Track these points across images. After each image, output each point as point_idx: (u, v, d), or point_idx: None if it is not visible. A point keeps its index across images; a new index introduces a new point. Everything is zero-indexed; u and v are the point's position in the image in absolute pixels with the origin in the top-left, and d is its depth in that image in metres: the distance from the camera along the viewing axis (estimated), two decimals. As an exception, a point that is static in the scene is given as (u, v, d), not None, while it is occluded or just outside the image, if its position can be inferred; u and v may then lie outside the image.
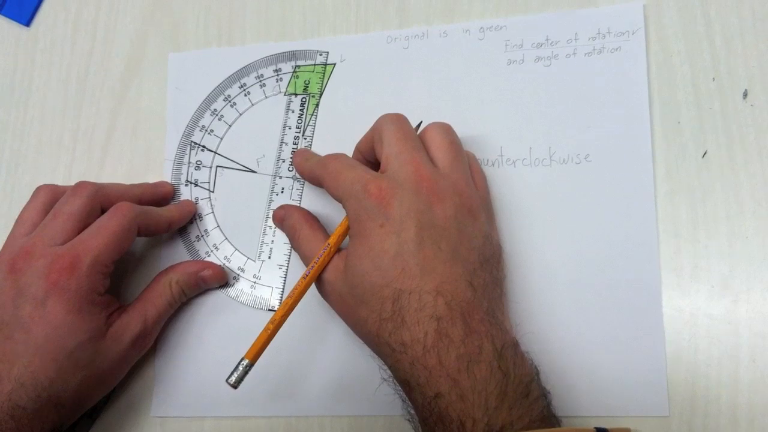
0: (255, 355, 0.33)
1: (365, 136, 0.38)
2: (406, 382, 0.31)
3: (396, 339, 0.31)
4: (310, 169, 0.38)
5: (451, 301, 0.31)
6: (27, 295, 0.35)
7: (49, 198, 0.39)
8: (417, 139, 0.36)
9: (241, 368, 0.32)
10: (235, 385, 0.32)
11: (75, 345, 0.35)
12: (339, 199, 0.35)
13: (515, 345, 0.32)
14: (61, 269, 0.35)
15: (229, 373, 0.32)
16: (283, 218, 0.39)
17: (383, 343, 0.32)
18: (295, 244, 0.38)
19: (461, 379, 0.29)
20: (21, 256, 0.36)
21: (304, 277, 0.34)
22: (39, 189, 0.40)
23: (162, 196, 0.42)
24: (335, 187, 0.35)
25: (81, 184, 0.39)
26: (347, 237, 0.35)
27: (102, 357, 0.36)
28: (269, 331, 0.33)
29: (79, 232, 0.37)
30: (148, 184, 0.42)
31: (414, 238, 0.32)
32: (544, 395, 0.31)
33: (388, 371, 0.33)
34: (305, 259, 0.37)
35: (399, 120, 0.36)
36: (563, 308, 0.36)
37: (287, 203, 0.41)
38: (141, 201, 0.40)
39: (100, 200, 0.39)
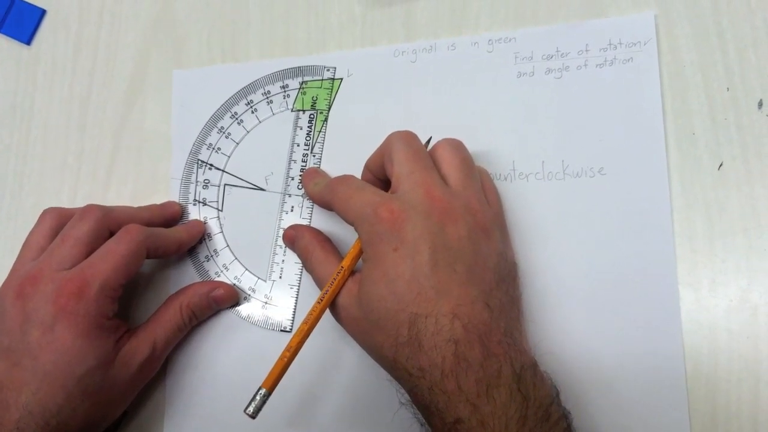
0: (272, 383, 0.32)
1: (374, 155, 0.37)
2: (425, 407, 0.31)
3: (413, 364, 0.31)
4: (320, 194, 0.37)
5: (468, 323, 0.31)
6: (35, 320, 0.35)
7: (56, 222, 0.39)
8: (428, 157, 0.35)
9: (258, 398, 0.32)
10: (253, 416, 0.32)
11: (84, 371, 0.35)
12: (351, 223, 0.34)
13: (534, 366, 0.31)
14: (69, 293, 0.35)
15: (247, 403, 0.32)
16: (294, 239, 0.39)
17: (400, 368, 0.31)
18: (307, 266, 0.38)
19: (481, 404, 0.29)
20: (28, 281, 0.36)
21: (318, 302, 0.34)
22: (45, 213, 0.40)
23: (170, 217, 0.42)
24: (346, 211, 0.35)
25: (88, 208, 0.38)
26: (360, 259, 0.35)
27: (110, 383, 0.36)
28: (286, 359, 0.33)
29: (87, 257, 0.37)
30: (155, 206, 0.42)
31: (428, 261, 0.31)
32: (564, 416, 0.31)
33: (407, 395, 0.32)
34: (318, 282, 0.37)
35: (409, 138, 0.36)
36: (579, 325, 0.36)
37: (298, 223, 0.41)
38: (150, 224, 0.40)
39: (107, 224, 0.38)
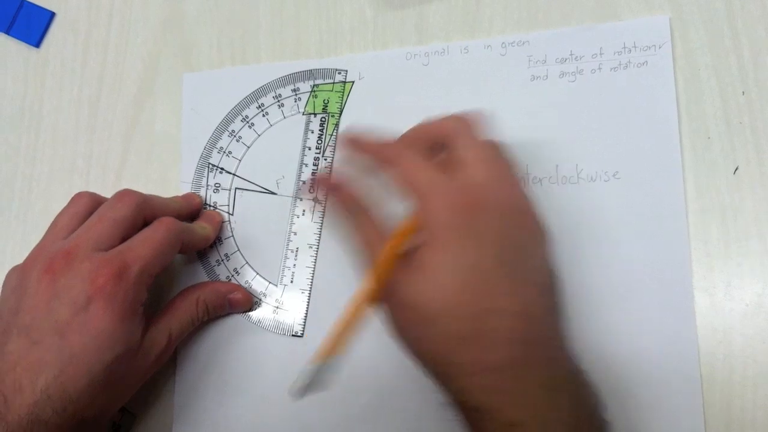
0: (327, 355, 0.31)
1: (424, 131, 0.34)
2: (474, 409, 0.29)
3: (468, 360, 0.29)
4: (379, 149, 0.34)
5: (529, 325, 0.30)
6: (65, 298, 0.33)
7: (90, 206, 0.38)
8: (500, 152, 0.34)
9: (311, 371, 0.30)
10: (301, 393, 0.30)
11: (113, 358, 0.33)
12: (412, 196, 0.32)
13: (583, 372, 0.31)
14: (110, 274, 0.33)
15: (299, 379, 0.30)
16: (339, 188, 0.36)
17: (451, 363, 0.30)
18: (351, 223, 0.35)
19: (540, 408, 0.28)
20: (61, 255, 0.34)
21: (367, 278, 0.31)
22: (79, 195, 0.38)
23: (195, 208, 0.42)
24: (413, 181, 0.32)
25: (127, 192, 0.37)
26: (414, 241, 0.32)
27: (132, 371, 0.35)
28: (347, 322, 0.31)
29: (122, 240, 0.35)
30: (181, 198, 0.42)
31: (496, 256, 0.30)
32: (604, 423, 0.31)
33: (447, 395, 0.31)
34: (362, 246, 0.34)
35: (475, 126, 0.33)
36: (594, 329, 0.36)
37: (309, 226, 0.40)
38: (179, 215, 0.40)
39: (144, 211, 0.37)
